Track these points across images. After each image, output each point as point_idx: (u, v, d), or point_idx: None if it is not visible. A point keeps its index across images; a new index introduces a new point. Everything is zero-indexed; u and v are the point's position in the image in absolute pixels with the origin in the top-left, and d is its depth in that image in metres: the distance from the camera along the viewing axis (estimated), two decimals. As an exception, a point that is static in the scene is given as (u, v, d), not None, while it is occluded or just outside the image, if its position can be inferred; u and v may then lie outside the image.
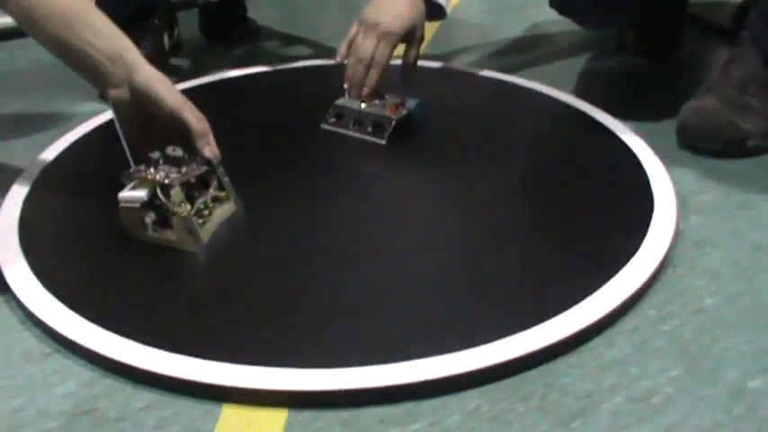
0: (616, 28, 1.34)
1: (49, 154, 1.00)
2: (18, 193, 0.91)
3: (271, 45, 1.45)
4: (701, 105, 1.00)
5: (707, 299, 0.75)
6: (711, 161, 0.99)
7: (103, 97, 0.85)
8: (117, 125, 0.85)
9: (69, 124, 1.09)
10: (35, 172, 0.96)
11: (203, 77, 1.25)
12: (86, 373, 0.68)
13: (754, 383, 0.65)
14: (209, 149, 0.83)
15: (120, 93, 0.83)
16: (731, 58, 1.04)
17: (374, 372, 0.64)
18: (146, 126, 0.84)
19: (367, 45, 1.03)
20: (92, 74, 0.83)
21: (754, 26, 1.04)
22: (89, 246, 0.83)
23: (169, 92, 0.83)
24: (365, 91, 1.03)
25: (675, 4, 1.32)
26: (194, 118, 0.83)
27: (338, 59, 1.06)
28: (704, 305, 0.74)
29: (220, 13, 1.45)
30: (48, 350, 0.70)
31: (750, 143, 0.99)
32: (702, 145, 1.00)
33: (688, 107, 1.01)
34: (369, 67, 1.03)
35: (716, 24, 1.39)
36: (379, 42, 1.03)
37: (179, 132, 0.83)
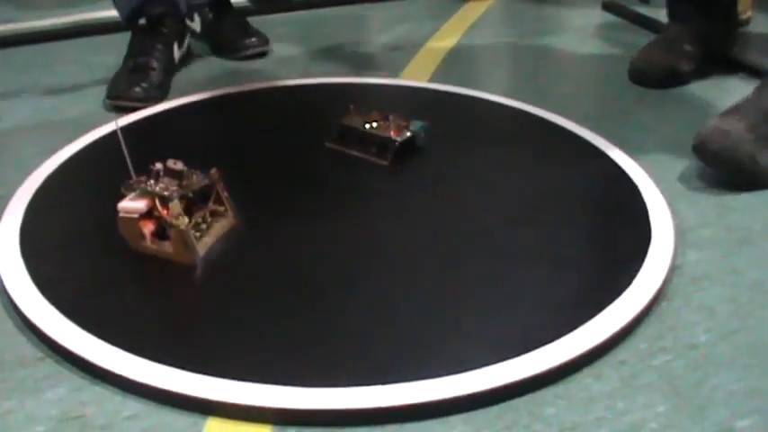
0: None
1: (53, 162, 1.02)
2: (21, 199, 0.93)
3: (279, 61, 1.45)
4: (726, 127, 0.98)
5: (701, 335, 0.75)
6: (714, 196, 0.98)
7: None
8: (120, 136, 0.86)
9: (75, 132, 1.10)
10: (39, 180, 0.97)
11: (210, 92, 1.26)
12: (77, 379, 0.68)
13: (741, 423, 0.64)
14: None
15: None
16: (763, 84, 1.03)
17: (360, 393, 0.64)
18: None
19: None
20: None
21: None
22: (88, 254, 0.83)
23: None
24: None
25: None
26: None
27: None
28: (697, 341, 0.74)
29: (230, 27, 1.46)
30: (41, 355, 0.71)
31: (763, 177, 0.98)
32: (716, 168, 0.99)
33: (712, 125, 0.99)
34: None
35: (739, 61, 1.38)
36: None
37: None
